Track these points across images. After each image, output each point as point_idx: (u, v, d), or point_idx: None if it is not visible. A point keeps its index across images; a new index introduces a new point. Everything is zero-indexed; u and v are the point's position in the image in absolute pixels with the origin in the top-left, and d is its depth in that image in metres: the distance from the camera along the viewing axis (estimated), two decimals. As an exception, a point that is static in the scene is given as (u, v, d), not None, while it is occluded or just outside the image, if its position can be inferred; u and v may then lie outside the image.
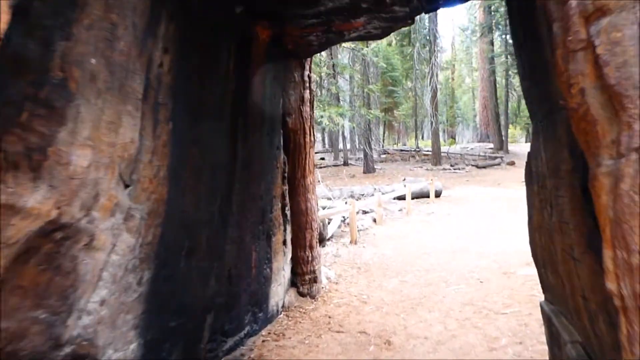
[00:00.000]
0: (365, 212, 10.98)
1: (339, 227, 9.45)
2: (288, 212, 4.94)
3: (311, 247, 5.18)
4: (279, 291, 4.83)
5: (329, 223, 9.18)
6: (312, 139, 4.91)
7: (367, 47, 17.68)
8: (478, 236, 8.85)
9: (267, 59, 4.16)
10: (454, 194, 15.60)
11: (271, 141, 4.40)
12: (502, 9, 31.60)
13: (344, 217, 9.73)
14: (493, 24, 30.89)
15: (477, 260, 7.03)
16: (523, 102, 44.18)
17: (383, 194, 13.46)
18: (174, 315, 2.93)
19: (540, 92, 2.50)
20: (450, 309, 5.02)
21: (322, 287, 5.78)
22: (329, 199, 13.21)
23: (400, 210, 12.47)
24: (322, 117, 16.42)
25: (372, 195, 14.34)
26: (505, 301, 5.15)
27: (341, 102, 22.35)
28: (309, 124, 4.77)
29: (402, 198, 12.91)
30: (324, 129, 42.22)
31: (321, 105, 16.77)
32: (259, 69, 4.01)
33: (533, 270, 6.75)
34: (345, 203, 11.45)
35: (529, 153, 3.11)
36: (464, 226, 9.98)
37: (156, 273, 2.67)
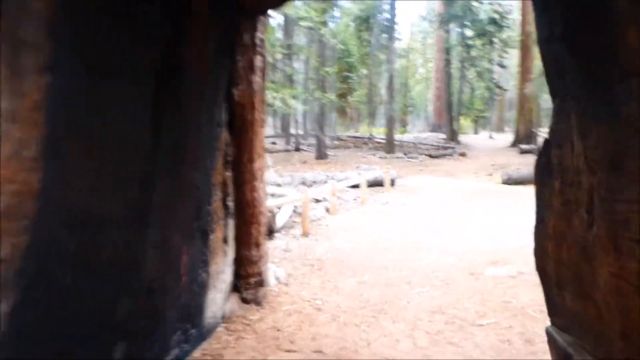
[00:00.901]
0: (317, 201, 10.25)
1: (290, 217, 8.68)
2: (231, 204, 4.11)
3: (258, 245, 4.38)
4: (218, 299, 4.01)
5: (278, 212, 8.39)
6: (263, 116, 4.08)
7: (325, 27, 16.85)
8: (438, 230, 8.32)
9: (211, 11, 3.28)
10: (409, 183, 15.15)
11: (211, 116, 3.54)
12: (462, 2, 31.53)
13: (295, 206, 8.96)
14: (452, 13, 30.72)
15: (440, 257, 6.45)
16: (475, 94, 44.84)
17: (337, 181, 12.79)
18: (60, 352, 2.07)
19: (584, 57, 1.80)
20: (418, 318, 4.37)
21: (270, 291, 5.00)
22: (279, 185, 12.40)
23: (354, 199, 11.83)
24: (274, 98, 15.50)
25: (325, 182, 13.63)
26: (478, 309, 4.56)
27: (295, 85, 21.48)
28: (259, 97, 3.94)
29: (355, 186, 12.27)
30: (275, 112, 41.20)
31: (274, 87, 15.84)
32: (199, 21, 3.13)
33: (501, 271, 6.25)
34: (297, 191, 10.69)
35: (546, 140, 2.43)
36: (422, 218, 9.45)
37: (24, 299, 1.80)
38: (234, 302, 4.35)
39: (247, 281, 4.42)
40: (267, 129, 49.68)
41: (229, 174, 4.02)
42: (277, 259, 6.39)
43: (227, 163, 3.99)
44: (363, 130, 40.95)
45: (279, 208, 8.20)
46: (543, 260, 2.57)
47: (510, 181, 15.71)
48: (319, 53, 19.14)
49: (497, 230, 8.38)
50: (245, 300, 4.44)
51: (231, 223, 4.16)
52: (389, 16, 25.00)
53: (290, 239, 7.63)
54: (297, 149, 25.35)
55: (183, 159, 3.05)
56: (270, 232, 7.35)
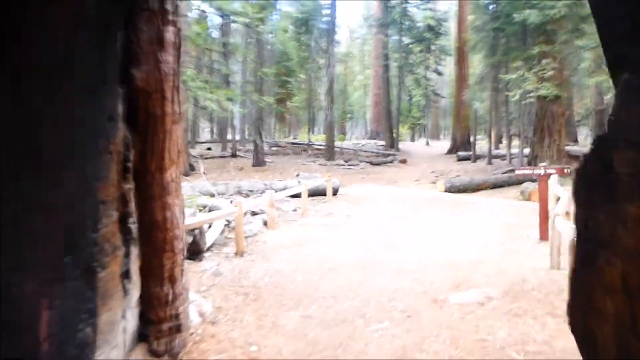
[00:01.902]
0: (254, 214, 9.19)
1: (223, 233, 7.57)
2: (134, 226, 3.02)
3: (173, 280, 3.31)
4: (113, 357, 2.90)
5: (209, 228, 7.27)
6: (178, 108, 3.04)
7: (263, 24, 15.84)
8: (388, 244, 7.52)
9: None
10: (352, 192, 14.41)
11: (97, 104, 2.47)
12: (399, 8, 31.57)
13: (228, 220, 7.87)
14: (390, 19, 30.64)
15: (396, 280, 5.61)
16: (413, 101, 45.31)
17: (275, 191, 11.77)
18: None
19: None
20: (379, 368, 3.47)
21: (192, 334, 3.93)
22: (212, 195, 11.23)
23: (294, 210, 10.88)
24: (208, 100, 14.30)
25: (263, 192, 12.62)
26: (450, 351, 3.71)
27: (231, 86, 20.29)
28: (172, 83, 2.90)
29: (296, 196, 11.32)
30: (212, 116, 39.55)
31: (208, 87, 14.62)
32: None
33: (467, 297, 5.46)
34: (231, 202, 9.60)
35: (600, 138, 1.60)
36: (370, 231, 8.65)
37: None
38: (139, 357, 3.25)
39: (158, 328, 3.33)
40: (204, 134, 47.75)
41: (130, 186, 2.94)
42: (205, 287, 5.30)
43: (127, 172, 2.90)
44: (302, 136, 40.12)
45: (210, 225, 7.08)
46: (589, 319, 1.71)
47: (453, 189, 15.38)
48: (256, 53, 18.09)
49: (450, 242, 7.71)
50: (155, 354, 3.35)
51: (135, 252, 3.07)
52: (328, 19, 24.38)
53: (222, 259, 6.54)
54: (234, 155, 24.10)
55: (33, 165, 1.96)
56: (197, 253, 6.24)
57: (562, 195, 7.95)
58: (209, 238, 6.97)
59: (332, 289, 5.29)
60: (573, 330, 1.81)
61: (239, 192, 12.67)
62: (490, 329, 4.07)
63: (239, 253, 6.67)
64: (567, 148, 22.59)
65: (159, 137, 2.91)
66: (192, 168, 18.53)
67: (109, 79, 2.54)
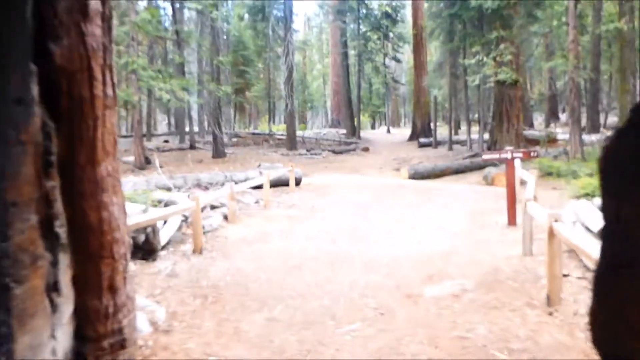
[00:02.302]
0: (214, 207, 8.69)
1: (179, 229, 7.06)
2: (61, 230, 2.54)
3: (113, 290, 2.85)
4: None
5: (164, 224, 6.76)
6: (112, 91, 2.56)
7: (217, 10, 15.14)
8: (355, 236, 7.21)
9: None
10: (315, 181, 14.07)
11: None
12: (356, -7, 31.24)
13: (185, 215, 7.35)
14: (347, 7, 30.31)
15: (366, 275, 5.29)
16: (373, 89, 45.28)
17: (236, 183, 11.29)
18: None
19: None
20: (354, 377, 3.13)
21: (141, 347, 3.48)
22: (169, 189, 10.63)
23: (256, 202, 10.43)
24: (161, 89, 13.59)
25: (223, 184, 12.11)
26: (429, 352, 3.41)
27: (187, 76, 19.50)
28: (101, 61, 2.43)
29: (258, 187, 10.87)
30: (169, 108, 38.35)
31: (161, 77, 13.89)
32: None
33: (441, 290, 5.16)
34: (188, 196, 9.07)
35: (636, 110, 1.27)
36: (335, 222, 8.32)
37: None
38: (76, 383, 2.78)
39: (98, 345, 2.87)
40: (161, 126, 46.31)
41: (54, 183, 2.45)
42: (159, 290, 4.82)
43: (50, 166, 2.42)
44: (263, 127, 39.45)
45: (165, 221, 6.56)
46: (621, 334, 1.39)
47: (417, 175, 15.27)
48: (211, 41, 17.35)
49: (419, 232, 7.48)
50: (96, 375, 2.89)
51: (65, 260, 2.59)
52: (284, 7, 23.78)
53: (179, 258, 6.05)
54: (192, 147, 23.31)
55: None
56: (151, 252, 5.74)
57: (528, 179, 7.85)
58: (165, 235, 6.46)
59: (299, 287, 4.92)
60: (598, 346, 1.49)
61: (198, 185, 12.10)
62: (469, 325, 3.80)
63: (197, 250, 6.20)
64: (525, 132, 22.99)
65: (87, 125, 2.44)
66: (148, 161, 17.72)
67: (15, 54, 2.05)
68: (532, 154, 7.33)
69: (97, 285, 2.78)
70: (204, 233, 7.26)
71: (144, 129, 31.63)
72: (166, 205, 8.06)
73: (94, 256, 2.72)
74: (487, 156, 7.71)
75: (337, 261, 5.83)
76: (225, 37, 20.15)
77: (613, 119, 29.80)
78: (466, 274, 5.19)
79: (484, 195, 10.86)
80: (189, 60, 27.10)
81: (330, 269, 5.55)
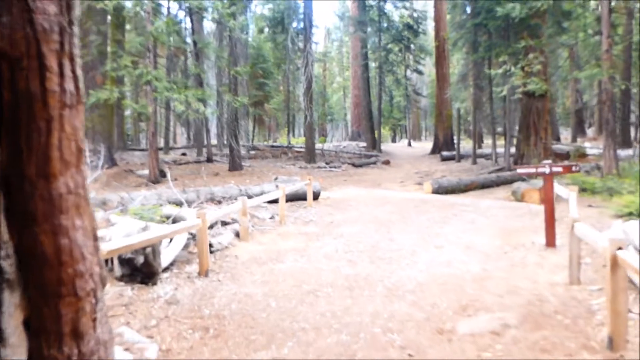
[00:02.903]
0: (225, 224, 8.15)
1: (186, 247, 6.52)
2: (7, 263, 2.01)
3: (78, 335, 2.28)
4: None
5: (170, 242, 6.23)
6: (73, 86, 2.03)
7: (234, 20, 14.78)
8: (376, 257, 6.58)
9: None
10: (334, 195, 13.47)
11: None
12: (376, 3, 30.87)
13: (192, 233, 6.82)
14: (368, 18, 29.88)
15: (389, 303, 4.66)
16: (393, 102, 44.69)
17: (250, 197, 10.77)
18: None
19: None
20: None
21: (122, 397, 2.91)
22: (179, 204, 10.17)
23: (271, 217, 9.88)
24: (176, 100, 13.22)
25: (237, 198, 11.63)
26: (470, 412, 2.76)
27: (205, 88, 19.18)
28: (57, 46, 1.90)
29: (274, 202, 10.34)
30: (187, 120, 38.33)
31: (175, 88, 13.55)
32: None
33: (479, 324, 4.37)
34: (202, 210, 8.59)
35: None
36: (355, 241, 7.69)
37: None
38: None
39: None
40: (180, 140, 46.53)
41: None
42: (154, 321, 4.26)
43: (-9, 181, 1.89)
44: (282, 140, 39.12)
45: (171, 240, 6.03)
46: None
47: (440, 190, 14.54)
48: (228, 51, 17.01)
49: (446, 252, 6.81)
50: None
51: (11, 300, 2.05)
52: (304, 17, 23.43)
53: (183, 281, 5.50)
54: (209, 160, 22.96)
55: None
56: (151, 276, 5.19)
57: (567, 196, 7.13)
58: (168, 255, 5.93)
59: (313, 318, 4.31)
60: None
61: (212, 199, 11.62)
62: (518, 374, 3.14)
63: (203, 273, 5.64)
64: (553, 146, 22.06)
65: (38, 128, 1.91)
66: (163, 175, 17.34)
67: None
68: (573, 168, 6.62)
69: (56, 331, 2.22)
70: (213, 252, 6.73)
71: (162, 142, 31.56)
72: (174, 221, 7.57)
73: (51, 294, 2.16)
74: (522, 170, 7.01)
75: (356, 286, 5.21)
76: (243, 47, 19.81)
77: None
78: (505, 304, 4.52)
79: (515, 212, 10.11)
80: (208, 73, 26.97)
81: (349, 295, 4.93)
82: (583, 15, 18.06)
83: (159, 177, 16.29)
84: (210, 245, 6.80)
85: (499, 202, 11.96)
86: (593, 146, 26.67)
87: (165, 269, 5.80)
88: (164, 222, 7.90)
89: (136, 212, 7.89)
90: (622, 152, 18.68)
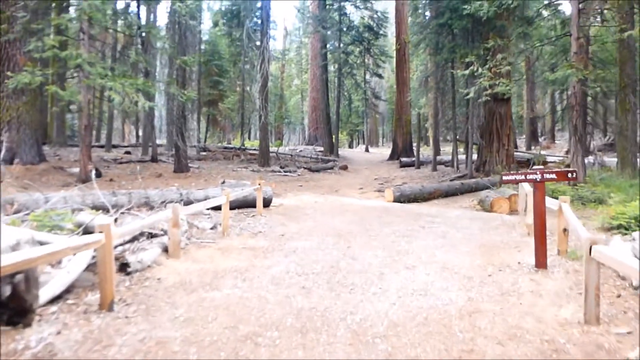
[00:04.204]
0: (153, 236, 6.66)
1: (87, 268, 5.01)
2: None
3: None
4: None
5: (58, 264, 4.74)
6: None
7: (180, 2, 13.20)
8: (336, 281, 5.31)
9: None
10: (287, 202, 12.16)
11: None
12: (337, 4, 29.86)
13: (124, 241, 5.32)
14: (328, 18, 28.77)
15: (356, 352, 3.39)
16: (352, 106, 43.85)
17: (190, 202, 9.32)
18: None
19: None
20: None
21: None
22: (107, 210, 8.58)
23: (213, 228, 8.45)
24: (111, 90, 11.56)
25: (179, 201, 10.14)
26: None
27: (154, 80, 17.42)
28: None
29: (218, 208, 8.92)
30: (137, 118, 36.06)
31: (110, 75, 11.88)
32: None
33: None
34: (115, 220, 7.13)
35: None
36: (310, 258, 6.41)
37: None
38: None
39: None
40: (128, 138, 44.00)
41: None
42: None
43: None
44: (236, 142, 37.40)
45: (59, 262, 4.54)
46: None
47: (402, 198, 13.50)
48: (176, 39, 15.36)
49: (418, 273, 5.64)
50: None
51: None
52: (261, 12, 22.05)
53: (75, 318, 4.03)
54: (154, 160, 21.12)
55: None
56: (23, 313, 3.71)
57: (560, 208, 6.10)
58: (63, 279, 4.45)
59: (248, 384, 2.98)
60: None
61: (146, 204, 10.06)
62: None
63: (106, 306, 4.19)
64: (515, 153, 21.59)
65: None
66: (98, 174, 15.53)
67: None
68: (569, 175, 5.60)
69: None
70: (129, 273, 5.27)
71: (103, 139, 29.28)
72: (86, 232, 6.05)
73: None
74: (508, 178, 5.93)
75: (311, 328, 3.91)
76: (194, 37, 18.18)
77: (598, 142, 28.94)
78: (510, 355, 3.34)
79: (489, 224, 9.12)
80: (159, 64, 25.07)
81: (300, 342, 3.62)
82: (539, 25, 17.62)
83: (91, 176, 14.46)
84: (127, 266, 5.34)
85: (468, 212, 10.98)
86: (549, 154, 26.60)
87: (56, 299, 4.32)
88: (75, 232, 6.37)
89: (38, 218, 6.31)
90: (586, 160, 18.31)
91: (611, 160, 19.24)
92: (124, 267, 5.31)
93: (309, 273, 5.64)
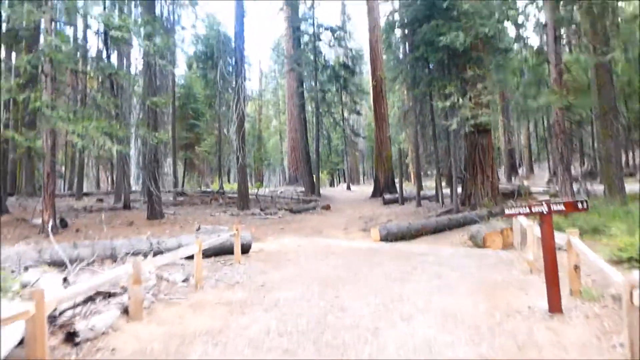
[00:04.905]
0: (110, 295, 5.81)
1: (21, 343, 4.15)
2: None
3: None
4: None
5: None
6: None
7: (150, 41, 12.68)
8: (325, 343, 4.53)
9: None
10: (268, 247, 11.37)
11: None
12: (311, 44, 29.94)
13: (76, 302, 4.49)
14: (303, 57, 28.75)
15: None
16: (332, 145, 43.64)
17: (157, 253, 8.50)
18: None
19: None
20: None
21: None
22: (64, 266, 7.71)
23: (185, 280, 7.60)
24: (73, 133, 10.83)
25: (147, 254, 9.30)
26: None
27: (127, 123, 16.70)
28: None
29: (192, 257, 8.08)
30: (112, 165, 35.06)
31: (73, 118, 11.17)
32: None
33: None
34: (65, 279, 6.29)
35: None
36: (294, 313, 5.63)
37: None
38: None
39: None
40: (102, 185, 42.84)
41: None
42: None
43: None
44: (215, 185, 36.57)
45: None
46: None
47: (390, 237, 12.82)
48: (146, 81, 14.79)
49: (420, 325, 4.91)
50: None
51: None
52: (235, 51, 21.74)
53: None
54: (127, 207, 20.19)
55: None
56: None
57: (570, 241, 5.49)
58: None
59: None
60: None
61: (111, 255, 9.17)
62: None
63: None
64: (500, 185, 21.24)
65: None
66: (64, 224, 14.56)
67: None
68: (579, 205, 5.02)
69: None
70: (77, 344, 4.43)
71: (73, 186, 28.14)
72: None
73: None
74: (511, 211, 5.32)
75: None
76: (165, 78, 17.64)
77: (576, 170, 28.96)
78: None
79: (485, 261, 8.47)
80: (132, 107, 24.40)
81: None
82: (515, 57, 17.62)
83: (56, 227, 13.48)
84: (74, 335, 4.49)
85: (461, 249, 10.33)
86: (530, 184, 26.41)
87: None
88: (19, 294, 5.49)
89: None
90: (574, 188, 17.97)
91: (594, 188, 18.98)
92: (71, 337, 4.47)
93: (293, 332, 4.86)
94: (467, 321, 5.01)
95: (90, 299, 5.56)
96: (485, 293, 6.17)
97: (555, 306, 5.00)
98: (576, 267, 5.53)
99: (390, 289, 6.69)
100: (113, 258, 9.06)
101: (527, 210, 5.19)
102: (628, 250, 6.69)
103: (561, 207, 5.03)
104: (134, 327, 5.09)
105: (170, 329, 5.12)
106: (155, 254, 8.70)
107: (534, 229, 7.37)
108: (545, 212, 5.04)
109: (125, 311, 5.40)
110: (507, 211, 5.35)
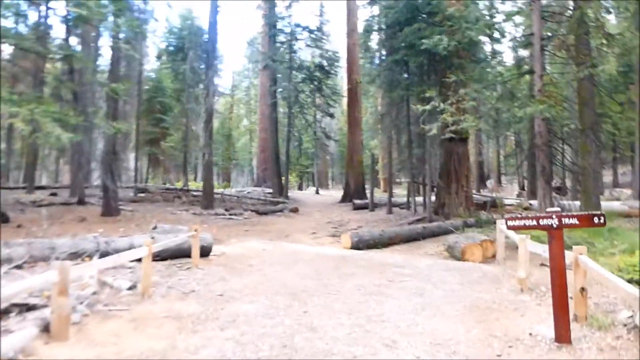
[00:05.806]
0: (29, 309, 4.77)
1: None
2: None
3: None
4: None
5: None
6: None
7: (105, 20, 11.55)
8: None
9: None
10: (231, 250, 10.40)
11: None
12: (287, 43, 29.09)
13: None
14: (278, 56, 27.83)
15: None
16: (303, 147, 42.73)
17: (107, 254, 7.45)
18: None
19: None
20: None
21: None
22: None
23: (132, 287, 6.58)
24: (13, 116, 9.63)
25: (92, 255, 8.28)
26: None
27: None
28: None
29: (157, 257, 7.06)
30: (72, 156, 33.23)
31: (15, 99, 9.96)
32: None
33: None
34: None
35: None
36: (256, 332, 4.73)
37: None
38: None
39: None
40: (61, 178, 40.74)
41: None
42: None
43: None
44: (180, 183, 35.13)
45: None
46: None
47: (361, 244, 12.02)
48: (109, 66, 13.59)
49: (407, 354, 4.10)
50: None
51: None
52: (207, 43, 20.66)
53: None
54: (81, 202, 18.80)
55: None
56: None
57: (582, 261, 4.78)
58: None
59: None
60: None
61: (49, 257, 8.04)
62: None
63: None
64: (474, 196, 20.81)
65: None
66: (4, 219, 13.21)
67: None
68: (595, 219, 4.31)
69: None
70: (-29, 374, 3.40)
71: (20, 177, 26.36)
72: None
73: None
74: (515, 223, 4.57)
75: None
76: (131, 65, 16.43)
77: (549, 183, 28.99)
78: None
79: (467, 277, 7.75)
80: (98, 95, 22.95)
81: None
82: (492, 67, 17.21)
83: (-5, 222, 12.17)
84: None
85: (439, 262, 9.60)
86: (502, 196, 26.19)
87: None
88: None
89: None
90: (535, 202, 17.60)
91: (563, 203, 18.71)
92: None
93: (253, 355, 3.96)
94: (462, 351, 4.23)
95: (5, 312, 4.53)
96: (476, 315, 5.41)
97: (563, 336, 4.27)
98: (583, 290, 4.83)
99: (366, 305, 5.87)
100: (50, 260, 7.94)
101: (534, 222, 4.46)
102: (629, 272, 6.07)
103: (575, 221, 4.32)
104: (53, 351, 4.09)
105: (100, 352, 4.15)
106: (102, 256, 7.66)
107: (526, 243, 6.69)
108: (555, 226, 4.31)
109: (47, 329, 4.39)
110: (509, 223, 4.60)
